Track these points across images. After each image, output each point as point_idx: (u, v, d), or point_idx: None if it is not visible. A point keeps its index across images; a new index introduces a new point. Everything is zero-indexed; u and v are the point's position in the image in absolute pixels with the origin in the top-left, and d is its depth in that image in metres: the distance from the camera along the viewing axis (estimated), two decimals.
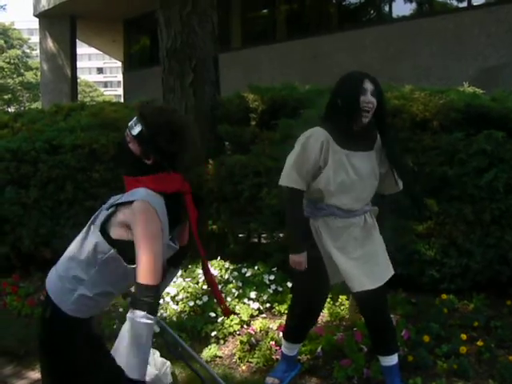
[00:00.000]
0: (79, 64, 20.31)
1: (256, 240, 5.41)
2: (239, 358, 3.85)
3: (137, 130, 2.24)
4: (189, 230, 2.45)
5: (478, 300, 4.17)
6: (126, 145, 2.28)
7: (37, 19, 17.14)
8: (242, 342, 3.91)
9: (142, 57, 17.69)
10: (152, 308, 2.05)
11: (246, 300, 4.39)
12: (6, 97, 39.97)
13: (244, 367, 3.79)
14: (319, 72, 10.68)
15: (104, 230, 2.19)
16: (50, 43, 16.65)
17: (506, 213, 4.19)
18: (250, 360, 3.80)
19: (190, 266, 4.99)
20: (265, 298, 4.43)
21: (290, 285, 4.49)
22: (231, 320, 4.16)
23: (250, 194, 4.88)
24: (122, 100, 20.30)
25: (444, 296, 4.24)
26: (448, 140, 4.31)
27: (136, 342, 2.04)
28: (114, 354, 2.49)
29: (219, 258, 5.06)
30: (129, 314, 2.07)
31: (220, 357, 3.92)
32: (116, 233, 2.18)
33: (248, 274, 4.74)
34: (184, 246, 2.49)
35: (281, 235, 4.91)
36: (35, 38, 28.45)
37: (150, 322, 2.04)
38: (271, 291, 4.51)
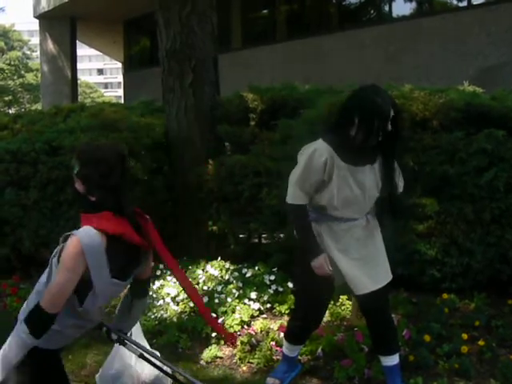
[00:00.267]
0: (79, 65, 20.32)
1: (256, 240, 5.40)
2: (240, 359, 3.84)
3: (76, 169, 2.33)
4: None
5: (479, 299, 4.16)
6: (73, 184, 2.38)
7: (37, 21, 17.14)
8: (242, 342, 3.91)
9: (142, 57, 17.69)
10: (37, 331, 2.17)
11: (246, 300, 4.38)
12: (6, 98, 39.94)
13: (245, 368, 3.78)
14: (320, 72, 10.68)
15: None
16: (50, 45, 16.64)
17: (506, 212, 4.18)
18: (250, 360, 3.80)
19: (190, 267, 4.99)
20: (265, 298, 4.42)
21: (290, 285, 4.49)
22: (232, 320, 4.15)
23: (250, 194, 4.87)
24: (122, 101, 20.31)
25: (445, 295, 4.23)
26: (448, 139, 4.30)
27: (7, 349, 2.19)
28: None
29: (219, 258, 5.06)
30: (18, 324, 2.21)
31: (220, 357, 3.92)
32: None
33: (248, 275, 4.73)
34: (146, 278, 2.57)
35: (281, 235, 4.90)
36: (35, 40, 28.47)
37: (28, 341, 2.16)
38: (272, 291, 4.49)
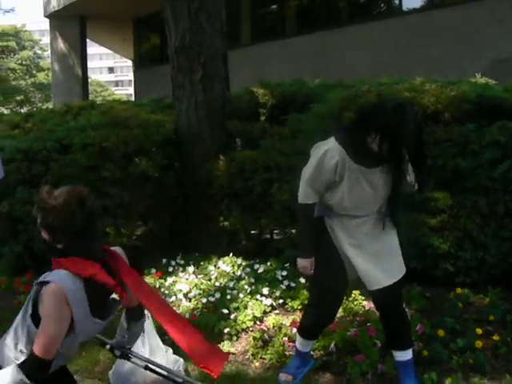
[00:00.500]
0: (90, 64, 20.37)
1: (268, 236, 5.39)
2: (252, 355, 3.84)
3: (38, 219, 2.34)
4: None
5: (494, 294, 4.12)
6: (39, 233, 2.38)
7: (47, 20, 17.21)
8: (254, 338, 3.90)
9: (152, 55, 17.70)
10: (33, 375, 2.19)
11: (258, 296, 4.37)
12: (18, 98, 40.16)
13: (257, 363, 3.78)
14: (330, 67, 10.63)
15: (36, 306, 2.27)
16: (60, 43, 16.68)
17: None
18: (263, 356, 3.79)
19: (202, 263, 4.98)
20: (277, 293, 4.40)
21: (302, 280, 4.47)
22: (244, 316, 4.14)
23: (260, 190, 4.86)
24: (133, 99, 20.35)
25: (459, 290, 4.20)
26: (460, 132, 4.26)
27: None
28: None
29: (231, 254, 5.05)
30: (17, 364, 2.23)
31: (233, 353, 3.92)
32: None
33: (260, 270, 4.72)
34: (137, 305, 2.58)
35: (293, 231, 4.88)
36: (46, 39, 28.56)
37: (24, 381, 2.19)
38: (284, 287, 4.48)
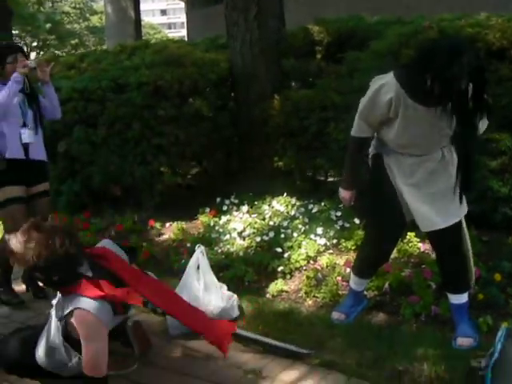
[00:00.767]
0: (143, 6, 20.25)
1: (323, 178, 5.34)
2: (305, 293, 3.86)
3: (23, 269, 2.73)
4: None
5: None
6: (33, 277, 2.73)
7: None
8: (308, 277, 3.91)
9: None
10: None
11: (312, 236, 4.35)
12: (73, 42, 40.50)
13: (310, 302, 3.80)
14: (388, 3, 10.23)
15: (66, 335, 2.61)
16: None
17: None
18: (316, 295, 3.81)
19: (256, 203, 5.00)
20: (331, 233, 4.38)
21: (357, 221, 4.43)
22: (298, 255, 4.15)
23: (316, 129, 4.78)
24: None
25: None
26: None
27: None
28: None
29: (285, 194, 5.04)
30: None
31: (286, 291, 3.95)
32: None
33: (314, 210, 4.70)
34: None
35: None
36: None
37: None
38: (338, 227, 4.44)
